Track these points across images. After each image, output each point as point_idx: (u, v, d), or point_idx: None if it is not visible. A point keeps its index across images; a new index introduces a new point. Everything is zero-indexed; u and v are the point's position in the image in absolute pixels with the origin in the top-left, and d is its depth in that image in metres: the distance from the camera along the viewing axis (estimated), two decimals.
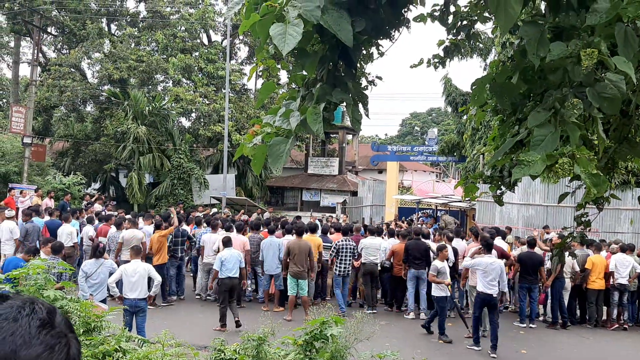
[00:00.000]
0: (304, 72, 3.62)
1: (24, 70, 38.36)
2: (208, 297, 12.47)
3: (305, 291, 11.08)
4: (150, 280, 8.53)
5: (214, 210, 21.41)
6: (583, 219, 4.68)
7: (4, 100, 38.78)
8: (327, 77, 3.42)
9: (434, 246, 11.95)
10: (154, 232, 11.99)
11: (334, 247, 12.00)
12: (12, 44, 35.87)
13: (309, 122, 3.09)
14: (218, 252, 11.75)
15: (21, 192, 18.51)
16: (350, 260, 11.97)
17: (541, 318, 12.07)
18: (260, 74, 4.93)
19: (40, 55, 30.13)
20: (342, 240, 12.10)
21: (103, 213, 15.83)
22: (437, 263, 10.05)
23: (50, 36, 33.58)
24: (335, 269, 11.97)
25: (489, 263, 9.38)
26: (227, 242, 10.51)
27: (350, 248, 11.98)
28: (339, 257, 11.90)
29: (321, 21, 2.94)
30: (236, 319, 10.01)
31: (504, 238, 13.10)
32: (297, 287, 10.97)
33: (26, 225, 12.17)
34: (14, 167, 23.08)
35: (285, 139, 3.18)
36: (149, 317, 8.45)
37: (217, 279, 10.38)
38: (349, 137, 37.00)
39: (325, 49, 3.45)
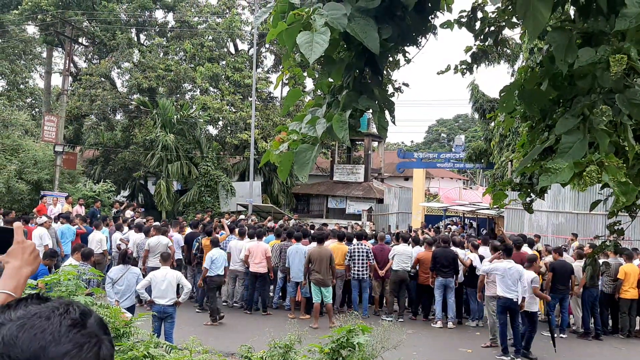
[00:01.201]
0: (330, 79, 3.63)
1: (56, 80, 39.33)
2: (235, 304, 12.54)
3: (329, 298, 11.11)
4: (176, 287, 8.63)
5: (241, 217, 21.54)
6: (616, 227, 4.58)
7: (37, 110, 39.74)
8: (354, 84, 3.43)
9: (461, 254, 11.85)
10: (200, 239, 12.37)
11: (348, 252, 12.04)
12: (44, 55, 36.79)
13: (335, 130, 3.10)
14: (245, 259, 11.91)
15: (56, 199, 18.91)
16: (365, 263, 11.99)
17: (574, 327, 11.80)
18: (287, 81, 4.96)
19: (71, 65, 30.83)
20: (355, 245, 12.19)
21: (131, 220, 16.07)
22: (531, 274, 9.48)
23: (81, 46, 34.35)
24: (351, 273, 12.05)
25: (506, 268, 9.30)
26: (215, 242, 11.30)
27: (363, 252, 12.03)
28: (353, 261, 11.99)
29: (348, 29, 2.95)
30: (221, 314, 11.09)
31: (531, 246, 12.88)
32: (321, 295, 10.99)
33: None
34: (46, 175, 23.59)
35: (311, 146, 3.19)
36: (176, 323, 8.53)
37: (206, 277, 11.04)
38: (375, 144, 36.89)
39: (352, 56, 3.45)
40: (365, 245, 12.28)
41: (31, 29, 35.76)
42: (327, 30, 2.83)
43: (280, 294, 12.98)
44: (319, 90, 3.93)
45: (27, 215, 15.12)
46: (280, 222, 20.67)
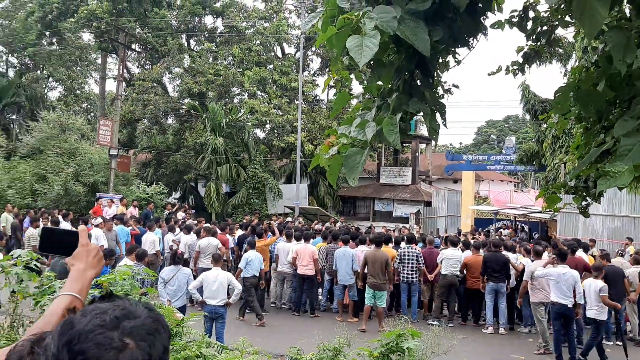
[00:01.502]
0: (380, 83, 3.62)
1: (110, 86, 40.71)
2: (283, 306, 12.64)
3: (383, 302, 11.09)
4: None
5: (288, 219, 21.70)
6: None
7: (92, 114, 41.17)
8: (404, 87, 3.41)
9: (512, 258, 11.60)
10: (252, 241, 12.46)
11: (397, 256, 11.96)
12: (99, 61, 38.14)
13: (385, 133, 3.09)
14: (293, 261, 11.98)
15: (112, 202, 19.52)
16: (414, 267, 11.93)
17: (630, 334, 11.34)
18: (333, 84, 4.98)
19: (125, 71, 31.81)
20: (404, 248, 12.16)
21: (182, 221, 16.42)
22: (599, 283, 9.20)
23: (134, 53, 35.40)
24: (401, 276, 11.96)
25: (561, 273, 9.08)
26: (252, 244, 11.48)
27: (413, 255, 11.96)
28: (403, 264, 11.93)
29: (398, 32, 2.94)
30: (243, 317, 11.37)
31: (586, 251, 12.47)
32: (374, 298, 10.97)
33: None
34: (102, 177, 24.39)
35: (360, 150, 3.19)
36: (227, 325, 8.66)
37: (241, 277, 11.11)
38: (423, 146, 36.52)
39: (402, 59, 3.44)
40: (415, 248, 12.19)
41: (86, 36, 37.16)
42: (377, 33, 2.82)
43: (328, 297, 13.01)
44: (368, 94, 3.93)
45: (85, 217, 15.68)
46: (327, 224, 20.72)
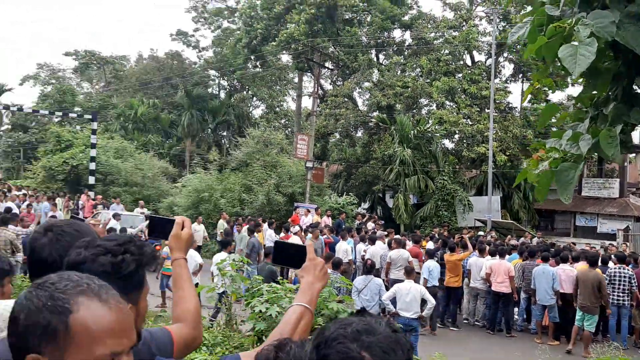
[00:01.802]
0: (594, 92, 3.39)
1: (305, 102, 43.42)
2: (476, 323, 12.25)
3: (592, 327, 10.27)
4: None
5: (480, 233, 21.00)
6: None
7: (289, 130, 44.24)
8: (622, 96, 3.15)
9: None
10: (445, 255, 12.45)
11: (607, 276, 10.91)
12: (295, 80, 40.94)
13: (603, 146, 2.88)
14: (487, 277, 11.59)
15: (308, 211, 20.76)
16: (626, 289, 10.82)
17: None
18: (535, 94, 4.76)
19: (318, 88, 33.68)
20: (614, 268, 11.16)
21: (373, 232, 16.80)
22: None
23: (327, 70, 37.30)
24: (610, 299, 10.86)
25: None
26: (431, 254, 11.73)
27: (625, 276, 10.87)
28: (613, 286, 10.93)
29: (616, 37, 2.75)
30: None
31: None
32: (582, 320, 10.22)
33: (252, 240, 13.92)
34: (299, 188, 26.09)
35: (574, 165, 3.01)
36: (420, 338, 8.66)
37: None
38: (632, 155, 32.75)
39: (619, 65, 3.20)
40: (626, 269, 11.03)
41: (285, 58, 40.15)
42: (594, 40, 2.67)
43: (525, 316, 12.30)
44: (579, 104, 3.69)
45: (286, 224, 16.90)
46: (522, 239, 19.63)
